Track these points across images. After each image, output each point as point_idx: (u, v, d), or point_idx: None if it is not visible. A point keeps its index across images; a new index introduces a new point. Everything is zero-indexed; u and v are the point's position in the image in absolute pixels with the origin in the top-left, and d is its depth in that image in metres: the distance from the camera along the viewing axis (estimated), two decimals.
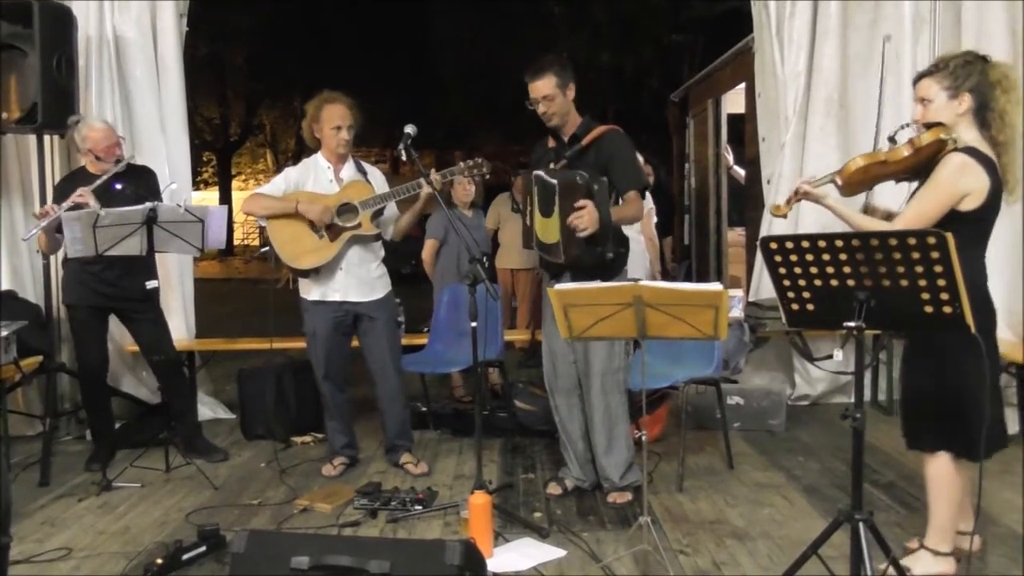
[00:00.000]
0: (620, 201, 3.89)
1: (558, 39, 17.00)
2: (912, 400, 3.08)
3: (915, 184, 3.10)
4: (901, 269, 2.42)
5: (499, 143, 23.70)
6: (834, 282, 2.54)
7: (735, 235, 10.35)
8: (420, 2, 20.85)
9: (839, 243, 2.49)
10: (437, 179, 4.18)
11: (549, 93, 3.84)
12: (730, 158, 10.07)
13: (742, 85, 9.18)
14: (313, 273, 4.35)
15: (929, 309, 2.44)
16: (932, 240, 2.35)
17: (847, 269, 2.50)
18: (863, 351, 2.52)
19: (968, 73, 2.91)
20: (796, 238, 2.57)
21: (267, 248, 4.42)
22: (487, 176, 4.16)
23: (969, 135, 2.92)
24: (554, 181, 3.70)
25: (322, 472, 4.52)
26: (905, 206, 3.04)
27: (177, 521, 3.87)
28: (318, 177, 4.41)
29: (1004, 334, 5.02)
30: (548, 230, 3.79)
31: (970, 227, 2.80)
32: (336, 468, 4.54)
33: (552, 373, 4.12)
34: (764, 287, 5.65)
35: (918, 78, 3.04)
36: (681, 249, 11.88)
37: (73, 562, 3.46)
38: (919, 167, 3.01)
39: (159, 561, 3.23)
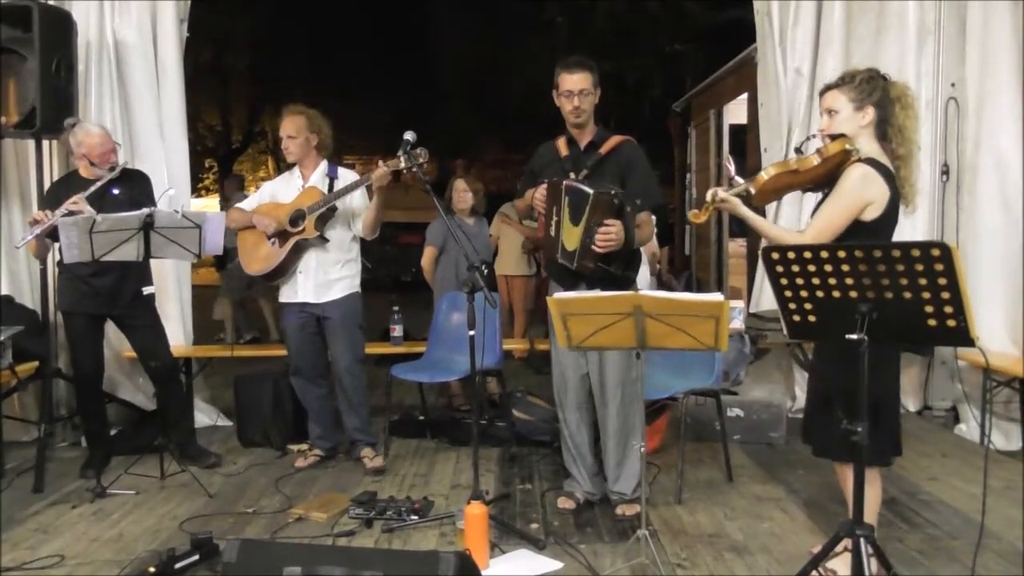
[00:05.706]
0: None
1: (559, 48, 16.99)
2: (821, 406, 3.09)
3: (819, 196, 3.17)
4: (904, 281, 2.38)
5: (501, 152, 23.67)
6: (836, 293, 2.51)
7: (736, 246, 10.35)
8: (422, 11, 20.88)
9: (842, 254, 2.46)
10: (381, 172, 4.15)
11: (587, 88, 3.83)
12: (732, 169, 10.05)
13: (744, 95, 9.19)
14: (279, 278, 4.63)
15: (933, 323, 2.41)
16: (936, 252, 2.31)
17: (849, 280, 2.47)
18: (864, 364, 2.48)
19: (872, 88, 3.03)
20: (798, 248, 2.55)
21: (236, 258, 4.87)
22: (423, 165, 4.05)
23: (870, 147, 3.04)
24: (590, 191, 3.57)
25: (294, 464, 4.73)
26: (811, 218, 3.12)
27: (171, 529, 3.83)
28: (289, 187, 4.67)
29: (1006, 348, 5.00)
30: (571, 236, 3.69)
31: (870, 237, 2.85)
32: (308, 460, 4.76)
33: (563, 386, 4.02)
34: (765, 298, 5.62)
35: (825, 90, 3.14)
36: (682, 259, 11.87)
37: (65, 569, 3.42)
38: (826, 177, 3.10)
39: (151, 569, 3.20)
